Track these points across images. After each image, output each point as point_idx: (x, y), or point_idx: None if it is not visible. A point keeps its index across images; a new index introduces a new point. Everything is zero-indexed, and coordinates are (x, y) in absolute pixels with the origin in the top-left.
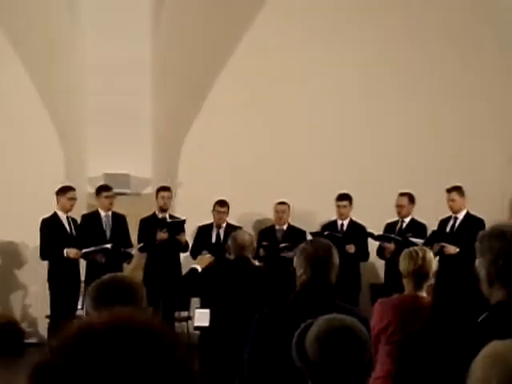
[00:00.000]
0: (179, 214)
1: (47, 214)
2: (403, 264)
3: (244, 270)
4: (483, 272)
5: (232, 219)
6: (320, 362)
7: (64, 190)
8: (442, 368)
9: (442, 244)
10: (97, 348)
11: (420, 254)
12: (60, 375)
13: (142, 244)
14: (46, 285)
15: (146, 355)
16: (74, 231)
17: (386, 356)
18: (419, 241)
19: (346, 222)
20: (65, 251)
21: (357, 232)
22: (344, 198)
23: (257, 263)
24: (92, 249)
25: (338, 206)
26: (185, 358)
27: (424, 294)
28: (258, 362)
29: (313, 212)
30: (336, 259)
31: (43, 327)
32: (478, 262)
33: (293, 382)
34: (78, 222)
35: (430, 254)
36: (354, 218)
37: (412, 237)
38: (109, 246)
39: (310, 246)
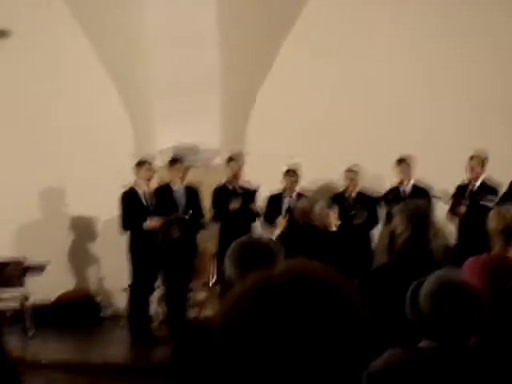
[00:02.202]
0: (250, 183)
1: (126, 188)
2: (491, 223)
3: (310, 236)
4: None
5: (304, 185)
6: (434, 317)
7: (141, 163)
8: None
9: None
10: (278, 300)
11: (509, 213)
12: (241, 329)
13: (215, 210)
14: (120, 257)
15: (326, 304)
16: (150, 205)
17: None
18: (490, 202)
19: (408, 187)
20: (144, 224)
21: (420, 195)
22: (402, 161)
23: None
24: (172, 218)
25: (398, 171)
26: (359, 304)
27: None
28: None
29: (382, 177)
30: (432, 217)
31: (119, 299)
32: None
33: (406, 339)
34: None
35: None
36: (417, 182)
37: (484, 198)
38: (187, 216)
39: (409, 205)
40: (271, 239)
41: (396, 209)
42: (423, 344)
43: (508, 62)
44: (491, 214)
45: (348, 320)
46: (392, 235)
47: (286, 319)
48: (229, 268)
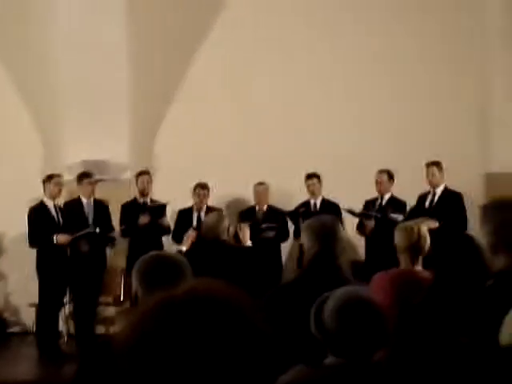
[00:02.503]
0: (159, 198)
1: (34, 203)
2: (399, 239)
3: (219, 252)
4: (487, 242)
5: (212, 201)
6: (338, 333)
7: (50, 177)
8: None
9: (422, 219)
10: (178, 318)
11: (415, 229)
12: (143, 349)
13: (123, 227)
14: (27, 273)
15: (226, 322)
16: (61, 219)
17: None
18: (399, 216)
19: (318, 201)
20: (54, 238)
21: (330, 210)
22: (312, 176)
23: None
24: (81, 233)
25: (308, 185)
26: (260, 321)
27: (420, 268)
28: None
29: (290, 192)
30: (341, 233)
31: (26, 316)
32: (481, 232)
33: (311, 355)
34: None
35: (425, 229)
36: (326, 197)
37: (392, 212)
38: (97, 229)
39: (316, 221)
40: (178, 255)
41: (303, 225)
42: (329, 360)
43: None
44: (397, 230)
45: (250, 338)
46: (300, 250)
47: (187, 338)
48: (135, 283)
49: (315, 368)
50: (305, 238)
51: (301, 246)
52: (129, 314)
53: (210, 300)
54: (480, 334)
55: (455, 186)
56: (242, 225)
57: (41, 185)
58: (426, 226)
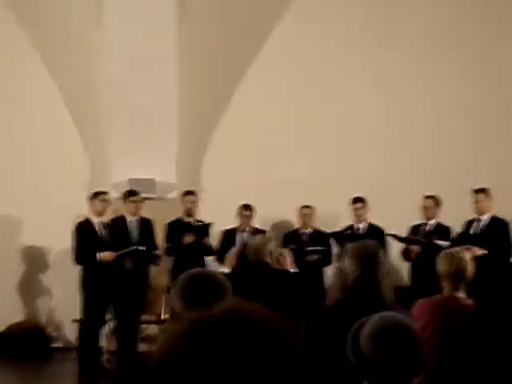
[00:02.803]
0: (205, 218)
1: (80, 219)
2: (441, 265)
3: (262, 274)
4: None
5: (257, 223)
6: (375, 359)
7: (96, 194)
8: (488, 363)
9: (468, 246)
10: (213, 338)
11: (458, 256)
12: (177, 369)
13: (169, 244)
14: (71, 289)
15: (262, 345)
16: (105, 236)
17: None
18: (445, 243)
19: (362, 225)
20: (97, 255)
21: (375, 234)
22: (358, 200)
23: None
24: (124, 251)
25: (354, 209)
26: (297, 345)
27: (462, 294)
28: (312, 362)
29: (336, 216)
30: (383, 258)
31: (69, 331)
32: None
33: (347, 380)
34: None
35: (468, 256)
36: (372, 221)
37: (437, 239)
38: (141, 247)
39: (359, 245)
40: (220, 274)
41: (346, 249)
42: None
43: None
44: (440, 256)
45: (286, 362)
46: (342, 275)
47: (221, 359)
48: (175, 301)
49: None
50: (347, 262)
51: (340, 270)
52: (163, 335)
53: (247, 321)
54: None
55: (503, 214)
56: (283, 250)
57: (87, 201)
58: (470, 254)
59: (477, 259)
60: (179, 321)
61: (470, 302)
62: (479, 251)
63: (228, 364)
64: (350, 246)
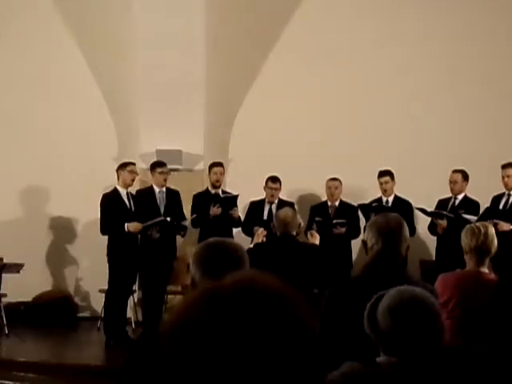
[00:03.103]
0: (231, 190)
1: (107, 190)
2: (465, 240)
3: (288, 247)
4: None
5: (284, 195)
6: (392, 333)
7: (125, 165)
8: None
9: (495, 221)
10: (225, 312)
11: (482, 230)
12: (187, 340)
13: (194, 216)
14: (98, 259)
15: (271, 316)
16: (133, 207)
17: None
18: (472, 217)
19: (390, 199)
20: (125, 226)
21: (402, 207)
22: (385, 174)
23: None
24: (151, 222)
25: (380, 183)
26: (306, 317)
27: (486, 269)
28: (331, 335)
29: (363, 189)
30: (406, 231)
31: (96, 301)
32: None
33: (365, 352)
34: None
35: (492, 230)
36: (398, 194)
37: (465, 213)
38: (168, 218)
39: (381, 218)
40: (238, 243)
41: (368, 222)
42: (380, 359)
43: (492, 79)
44: (464, 231)
45: (295, 334)
46: (366, 247)
47: (231, 330)
48: (193, 270)
49: (366, 365)
50: (369, 235)
51: (364, 242)
52: (174, 305)
53: (258, 292)
54: None
55: None
56: (311, 232)
57: (114, 172)
58: (493, 228)
59: (501, 234)
60: (194, 290)
61: (493, 276)
62: (507, 226)
63: (237, 335)
64: (371, 219)
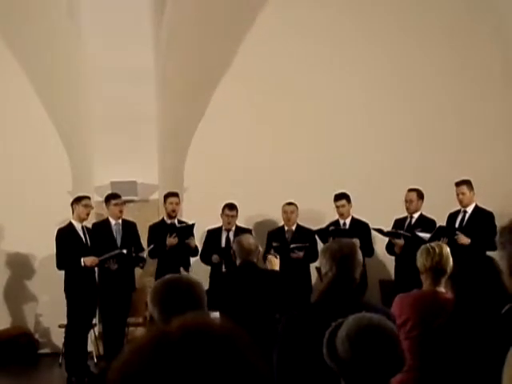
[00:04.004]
0: (187, 218)
1: (62, 224)
2: (421, 260)
3: (251, 274)
4: (504, 264)
5: (239, 222)
6: (351, 361)
7: (79, 199)
8: (469, 360)
9: (457, 232)
10: (172, 357)
11: (437, 250)
12: (130, 382)
13: (151, 246)
14: (57, 294)
15: (222, 361)
16: (88, 241)
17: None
18: (426, 235)
19: (347, 221)
20: (82, 260)
21: (360, 229)
22: (341, 197)
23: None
24: (108, 255)
25: (337, 207)
26: (258, 363)
27: (442, 289)
28: (288, 363)
29: (320, 212)
30: (360, 256)
31: (56, 337)
32: (498, 255)
33: (325, 381)
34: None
35: (447, 250)
36: (355, 216)
37: (420, 231)
38: (124, 250)
39: (334, 244)
40: (195, 279)
41: (321, 248)
42: None
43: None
44: (419, 251)
45: (246, 377)
46: (320, 274)
47: (180, 375)
48: (151, 308)
49: None
50: (322, 262)
51: (318, 269)
52: (123, 351)
53: (204, 337)
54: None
55: (487, 205)
56: (270, 256)
57: (70, 206)
58: (447, 248)
59: (457, 252)
60: (136, 340)
61: (449, 295)
62: (466, 240)
63: (186, 379)
64: (324, 245)
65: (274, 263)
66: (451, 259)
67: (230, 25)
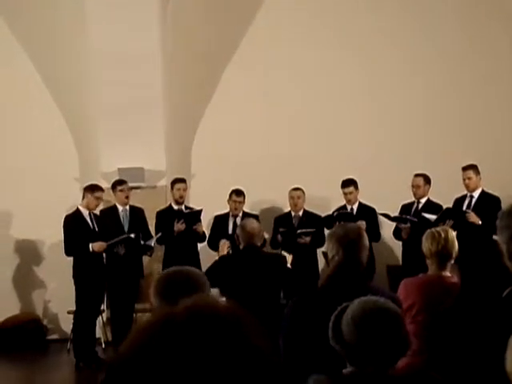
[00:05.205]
0: (194, 205)
1: (70, 211)
2: (426, 245)
3: (254, 258)
4: (504, 248)
5: (247, 207)
6: (357, 344)
7: (93, 189)
8: (475, 343)
9: (467, 210)
10: (178, 337)
11: (442, 235)
12: (140, 366)
13: (159, 234)
14: (66, 280)
15: (228, 342)
16: (96, 227)
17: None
18: (432, 217)
19: (355, 206)
20: (90, 246)
21: (367, 214)
22: (348, 183)
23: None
24: (116, 240)
25: (345, 193)
26: (263, 345)
27: (448, 273)
28: (295, 346)
29: (327, 198)
30: (366, 240)
31: (65, 323)
32: (498, 238)
33: (331, 364)
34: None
35: (453, 234)
36: (362, 201)
37: (425, 213)
38: (132, 235)
39: (340, 229)
40: (197, 270)
41: (327, 233)
42: (347, 370)
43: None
44: (425, 236)
45: (250, 358)
46: (326, 258)
47: (186, 355)
48: (154, 301)
49: (333, 378)
50: (329, 246)
51: (325, 254)
52: (130, 332)
53: (210, 318)
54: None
55: (494, 190)
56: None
57: (77, 192)
58: (453, 232)
59: (463, 236)
60: (151, 316)
61: (455, 280)
62: (475, 218)
63: (192, 359)
64: (330, 230)
65: (287, 260)
66: (456, 243)
67: (237, 9)
